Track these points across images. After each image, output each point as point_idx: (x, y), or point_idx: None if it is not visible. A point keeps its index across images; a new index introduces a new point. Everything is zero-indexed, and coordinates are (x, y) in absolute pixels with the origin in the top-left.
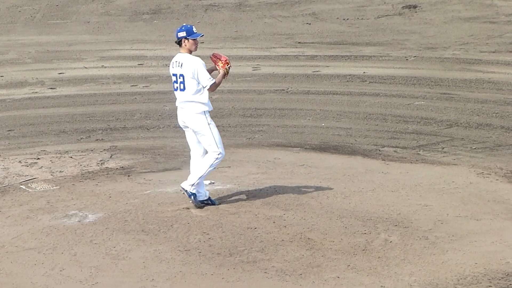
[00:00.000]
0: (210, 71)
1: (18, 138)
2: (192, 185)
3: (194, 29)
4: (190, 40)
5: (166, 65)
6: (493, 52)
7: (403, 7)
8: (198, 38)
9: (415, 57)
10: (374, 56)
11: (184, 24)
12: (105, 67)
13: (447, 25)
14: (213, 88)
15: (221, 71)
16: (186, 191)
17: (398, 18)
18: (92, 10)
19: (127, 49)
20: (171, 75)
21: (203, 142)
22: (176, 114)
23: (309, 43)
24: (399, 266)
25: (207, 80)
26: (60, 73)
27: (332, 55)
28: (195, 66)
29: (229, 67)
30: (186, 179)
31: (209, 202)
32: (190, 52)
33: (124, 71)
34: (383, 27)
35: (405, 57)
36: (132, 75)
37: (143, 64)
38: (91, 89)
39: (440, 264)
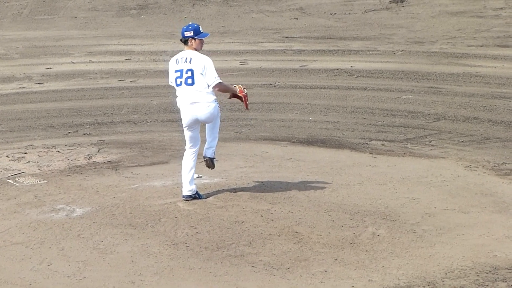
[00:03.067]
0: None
1: (6, 133)
2: (213, 152)
3: (201, 29)
4: (197, 39)
5: (154, 60)
6: (481, 46)
7: (390, 1)
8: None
9: (402, 51)
10: (361, 51)
11: (191, 22)
12: (93, 62)
13: (435, 19)
14: (218, 87)
15: (238, 90)
16: (209, 158)
17: (386, 13)
18: (80, 5)
19: (114, 44)
20: (173, 71)
21: (212, 128)
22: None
23: (296, 37)
24: (386, 259)
25: (214, 78)
26: (48, 68)
27: (319, 50)
28: (205, 63)
29: (243, 97)
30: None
31: (196, 196)
32: (196, 50)
33: (111, 66)
34: (370, 21)
35: (393, 51)
36: (120, 70)
37: (130, 59)
38: (79, 84)
39: (427, 258)
